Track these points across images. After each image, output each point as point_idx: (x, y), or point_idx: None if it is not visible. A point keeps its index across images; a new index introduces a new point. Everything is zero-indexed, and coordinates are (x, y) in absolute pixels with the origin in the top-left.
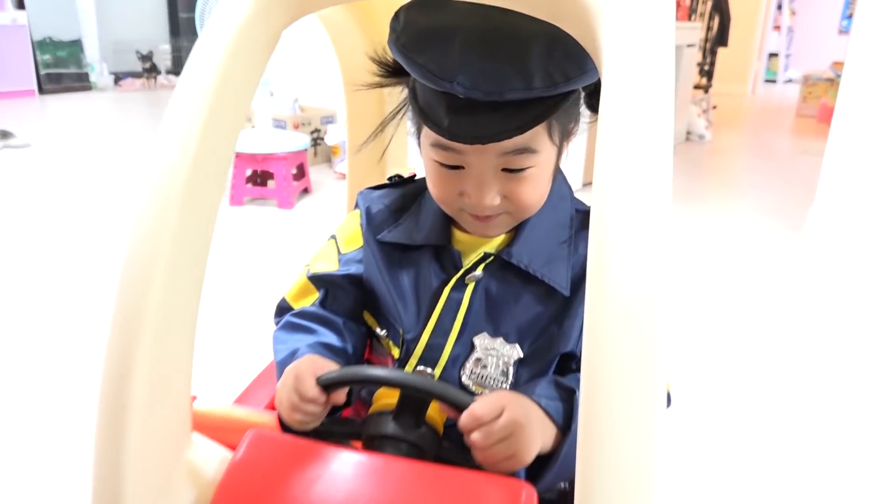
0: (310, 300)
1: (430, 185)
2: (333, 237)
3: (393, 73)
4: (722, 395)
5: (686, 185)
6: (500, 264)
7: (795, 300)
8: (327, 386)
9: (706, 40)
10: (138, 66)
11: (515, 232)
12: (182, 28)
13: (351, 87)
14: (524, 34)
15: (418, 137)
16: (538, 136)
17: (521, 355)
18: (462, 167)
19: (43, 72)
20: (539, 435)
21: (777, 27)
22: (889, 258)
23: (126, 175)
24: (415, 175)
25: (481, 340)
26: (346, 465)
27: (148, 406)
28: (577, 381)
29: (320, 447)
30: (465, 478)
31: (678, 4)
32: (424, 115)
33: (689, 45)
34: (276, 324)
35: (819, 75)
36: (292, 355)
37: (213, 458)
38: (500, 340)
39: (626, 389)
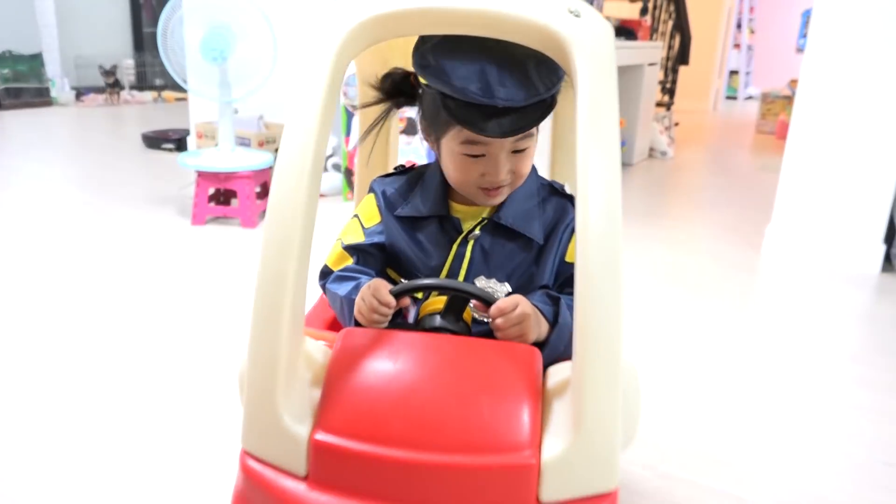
0: (347, 263)
1: (453, 171)
2: (356, 216)
3: (393, 94)
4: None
5: (648, 202)
6: (492, 226)
7: (751, 318)
8: (397, 295)
9: (668, 59)
10: (101, 81)
11: (501, 202)
12: (146, 43)
13: (363, 106)
14: (521, 58)
15: (437, 141)
16: None
17: (510, 290)
18: (484, 155)
19: (2, 87)
20: (537, 326)
21: (737, 45)
22: (841, 277)
23: (84, 191)
24: (414, 164)
25: (480, 281)
26: (413, 342)
27: (291, 312)
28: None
29: (394, 333)
30: (498, 344)
31: (640, 25)
32: (465, 122)
33: (650, 64)
34: (323, 283)
35: (777, 93)
36: (356, 287)
37: (318, 349)
38: (493, 280)
39: (606, 283)
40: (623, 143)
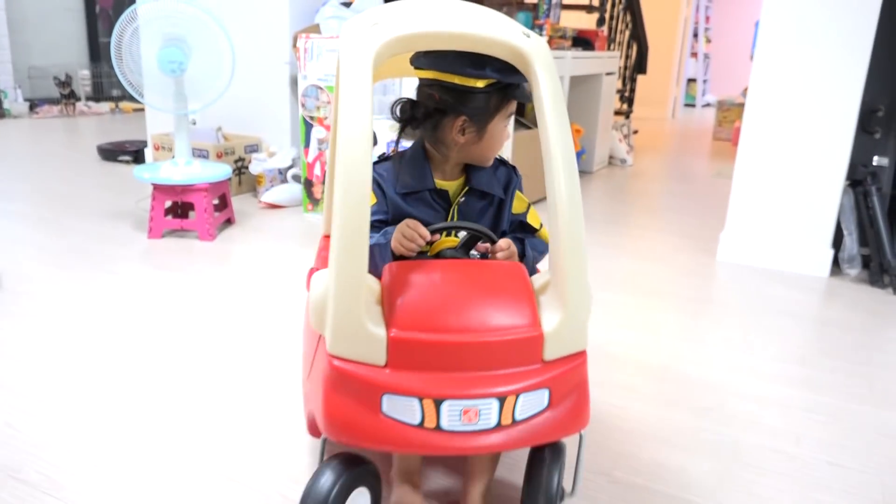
0: None
1: (497, 145)
2: None
3: (408, 120)
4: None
5: (607, 209)
6: (469, 191)
7: (704, 323)
8: (431, 231)
9: (626, 68)
10: (56, 93)
11: (468, 175)
12: (102, 53)
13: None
14: (486, 58)
15: (482, 131)
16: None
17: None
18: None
19: None
20: (514, 257)
21: (694, 54)
22: (791, 281)
23: (39, 205)
24: (385, 154)
25: (462, 233)
26: (442, 265)
27: (364, 254)
28: (518, 239)
29: (426, 261)
30: (500, 262)
31: (597, 35)
32: (511, 97)
33: (608, 74)
34: None
35: (732, 100)
36: (384, 234)
37: (372, 280)
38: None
39: (574, 215)
40: (582, 152)
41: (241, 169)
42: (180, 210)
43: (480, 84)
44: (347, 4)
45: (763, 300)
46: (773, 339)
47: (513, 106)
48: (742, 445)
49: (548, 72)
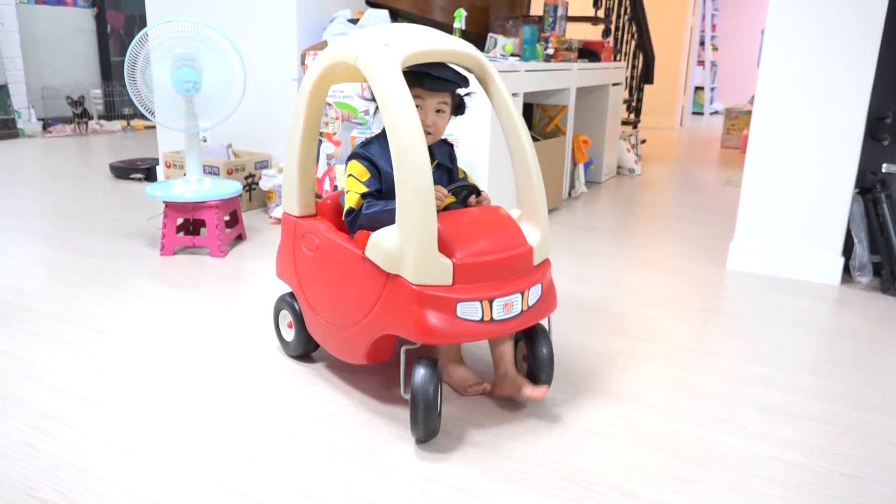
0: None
1: (443, 130)
2: (351, 175)
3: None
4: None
5: (615, 219)
6: (435, 164)
7: (714, 332)
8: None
9: (632, 78)
10: (68, 112)
11: (431, 153)
12: (114, 72)
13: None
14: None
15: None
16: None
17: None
18: (420, 108)
19: None
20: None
21: (701, 62)
22: (802, 290)
23: (52, 224)
24: (368, 138)
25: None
26: (461, 212)
27: (433, 209)
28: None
29: (448, 212)
30: (492, 207)
31: (603, 46)
32: (417, 85)
33: (614, 84)
34: (354, 216)
35: (740, 108)
36: (390, 203)
37: None
38: (439, 186)
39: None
40: (591, 162)
41: (251, 185)
42: (192, 227)
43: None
44: (354, 21)
45: (774, 309)
46: (784, 349)
47: (454, 103)
48: (753, 457)
49: (497, 74)
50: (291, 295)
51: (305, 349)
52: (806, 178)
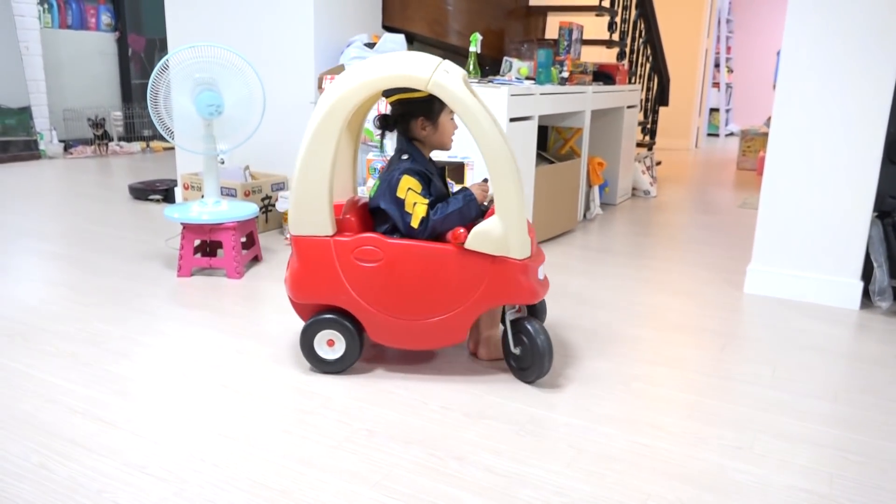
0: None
1: (448, 136)
2: (410, 189)
3: (386, 127)
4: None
5: (630, 242)
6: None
7: (732, 357)
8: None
9: (647, 100)
10: (89, 133)
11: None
12: (135, 94)
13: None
14: None
15: (434, 124)
16: None
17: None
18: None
19: None
20: None
21: (716, 84)
22: (821, 314)
23: (71, 245)
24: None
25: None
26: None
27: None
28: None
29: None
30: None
31: (618, 69)
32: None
33: (629, 107)
34: (426, 224)
35: (756, 130)
36: (462, 200)
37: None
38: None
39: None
40: (605, 184)
41: (267, 207)
42: (209, 248)
43: (425, 94)
44: (371, 45)
45: (792, 334)
46: (803, 375)
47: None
48: (773, 486)
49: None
50: (333, 313)
51: (354, 360)
52: (823, 202)
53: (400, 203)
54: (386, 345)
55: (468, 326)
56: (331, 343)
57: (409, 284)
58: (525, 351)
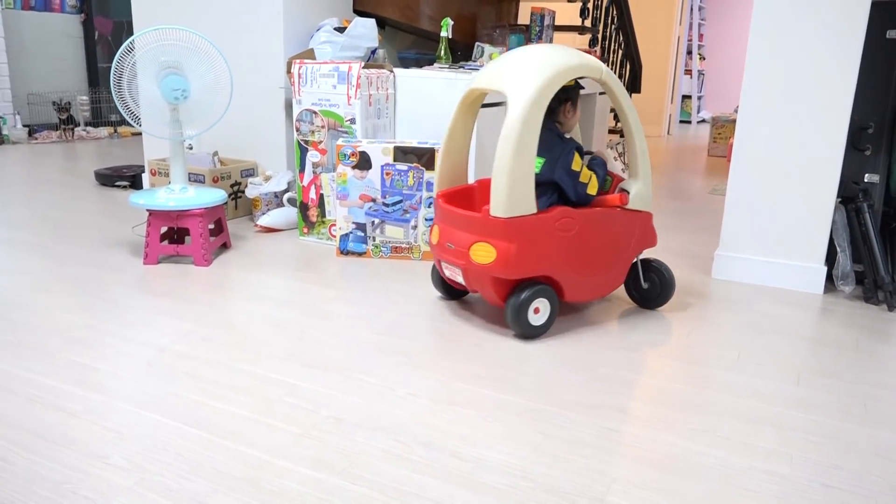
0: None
1: (575, 124)
2: (582, 163)
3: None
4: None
5: None
6: None
7: (698, 342)
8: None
9: None
10: (54, 118)
11: None
12: (101, 78)
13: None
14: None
15: (574, 108)
16: None
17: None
18: None
19: None
20: None
21: (688, 71)
22: (786, 298)
23: (35, 232)
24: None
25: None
26: None
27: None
28: None
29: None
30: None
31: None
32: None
33: (601, 93)
34: (586, 186)
35: (727, 117)
36: (602, 166)
37: None
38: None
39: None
40: None
41: (237, 193)
42: (176, 235)
43: (570, 83)
44: (341, 30)
45: (757, 318)
46: (767, 358)
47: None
48: (736, 467)
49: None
50: (538, 283)
51: (552, 323)
52: (789, 188)
53: (575, 175)
54: (576, 301)
55: (626, 271)
56: (537, 311)
57: (594, 245)
58: (653, 284)
